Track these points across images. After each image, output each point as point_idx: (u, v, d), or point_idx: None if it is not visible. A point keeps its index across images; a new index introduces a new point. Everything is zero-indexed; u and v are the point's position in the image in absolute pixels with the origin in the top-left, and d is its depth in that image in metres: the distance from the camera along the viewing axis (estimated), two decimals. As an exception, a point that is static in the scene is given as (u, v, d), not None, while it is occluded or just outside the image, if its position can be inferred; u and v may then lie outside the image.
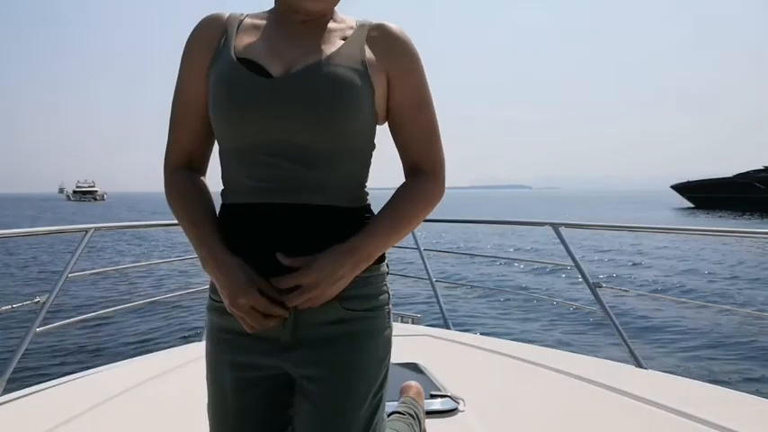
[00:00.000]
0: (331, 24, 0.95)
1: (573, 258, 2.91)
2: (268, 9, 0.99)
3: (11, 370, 2.18)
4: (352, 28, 0.95)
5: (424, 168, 0.97)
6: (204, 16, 0.97)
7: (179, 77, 0.96)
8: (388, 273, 0.98)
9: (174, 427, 1.87)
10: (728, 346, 6.70)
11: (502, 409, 2.02)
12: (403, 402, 1.53)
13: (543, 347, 2.92)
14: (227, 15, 0.96)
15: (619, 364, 2.61)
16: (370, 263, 0.89)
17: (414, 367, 2.41)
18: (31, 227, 2.48)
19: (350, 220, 0.89)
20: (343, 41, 0.92)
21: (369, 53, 0.91)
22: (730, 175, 57.25)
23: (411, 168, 0.99)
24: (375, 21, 0.96)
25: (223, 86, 0.88)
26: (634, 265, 14.59)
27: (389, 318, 0.95)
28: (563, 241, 2.99)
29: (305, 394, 0.89)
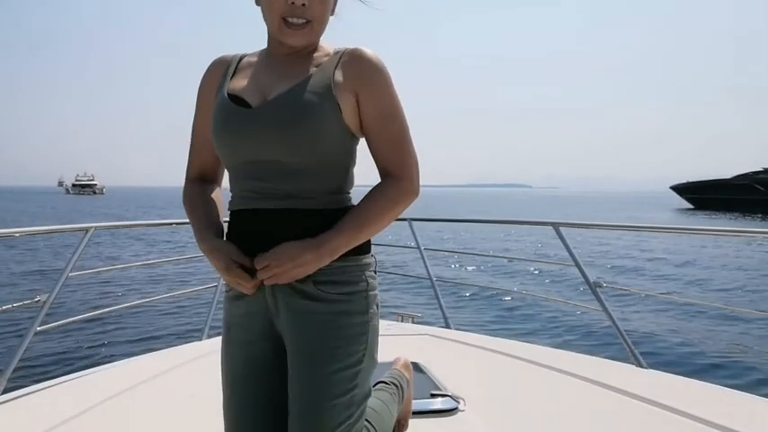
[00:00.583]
0: (313, 54, 1.10)
1: (573, 258, 2.91)
2: (264, 48, 1.17)
3: (11, 369, 2.18)
4: (328, 55, 1.10)
5: (392, 172, 1.11)
6: (213, 59, 1.17)
7: (194, 115, 1.19)
8: (374, 264, 1.14)
9: (173, 426, 1.87)
10: (729, 346, 6.70)
11: (502, 408, 2.02)
12: (389, 374, 1.58)
13: (543, 347, 2.92)
14: (230, 57, 1.16)
15: (619, 363, 2.60)
16: (335, 257, 1.04)
17: (414, 366, 2.41)
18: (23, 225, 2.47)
19: (324, 221, 1.05)
20: (316, 68, 1.07)
21: (338, 76, 1.06)
22: (729, 176, 57.21)
23: (382, 172, 1.13)
24: (351, 47, 1.10)
25: (216, 119, 1.08)
26: (634, 264, 14.60)
27: (370, 303, 1.09)
28: (563, 241, 2.99)
29: (290, 360, 1.06)
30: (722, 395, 2.16)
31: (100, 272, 3.14)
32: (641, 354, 2.54)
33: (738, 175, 56.33)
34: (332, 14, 1.11)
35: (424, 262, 3.64)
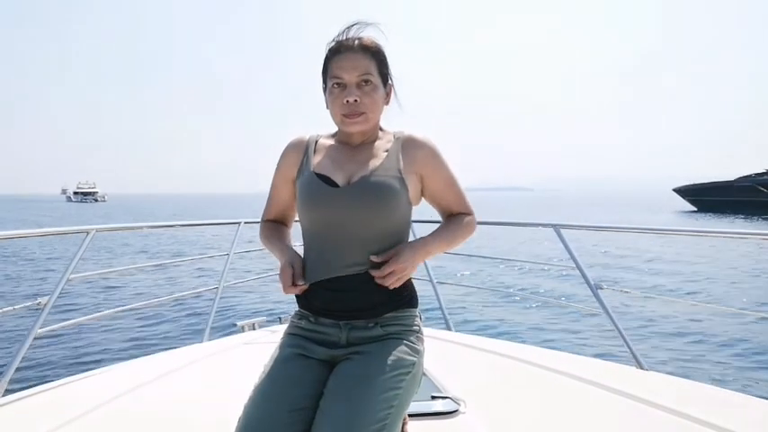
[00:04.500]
0: (377, 142, 1.36)
1: (574, 259, 2.91)
2: (334, 131, 1.42)
3: (12, 371, 2.18)
4: (390, 141, 1.35)
5: (461, 212, 1.41)
6: (291, 139, 1.43)
7: (273, 179, 1.45)
8: (420, 316, 1.37)
9: (174, 428, 1.87)
10: (730, 347, 6.69)
11: (503, 410, 2.02)
12: None
13: (544, 349, 2.91)
14: (307, 138, 1.41)
15: (620, 365, 2.60)
16: (430, 257, 1.33)
17: None
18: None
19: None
20: (385, 153, 1.32)
21: (403, 162, 1.31)
22: (732, 178, 56.68)
23: (452, 213, 1.42)
24: (407, 132, 1.36)
25: (306, 193, 1.30)
26: (634, 265, 14.58)
27: (417, 339, 1.31)
28: (564, 242, 2.98)
29: (348, 360, 1.22)
30: (723, 396, 2.15)
31: (100, 274, 3.14)
32: (642, 355, 2.54)
33: (741, 177, 55.84)
34: (386, 104, 1.35)
35: (425, 264, 3.64)
